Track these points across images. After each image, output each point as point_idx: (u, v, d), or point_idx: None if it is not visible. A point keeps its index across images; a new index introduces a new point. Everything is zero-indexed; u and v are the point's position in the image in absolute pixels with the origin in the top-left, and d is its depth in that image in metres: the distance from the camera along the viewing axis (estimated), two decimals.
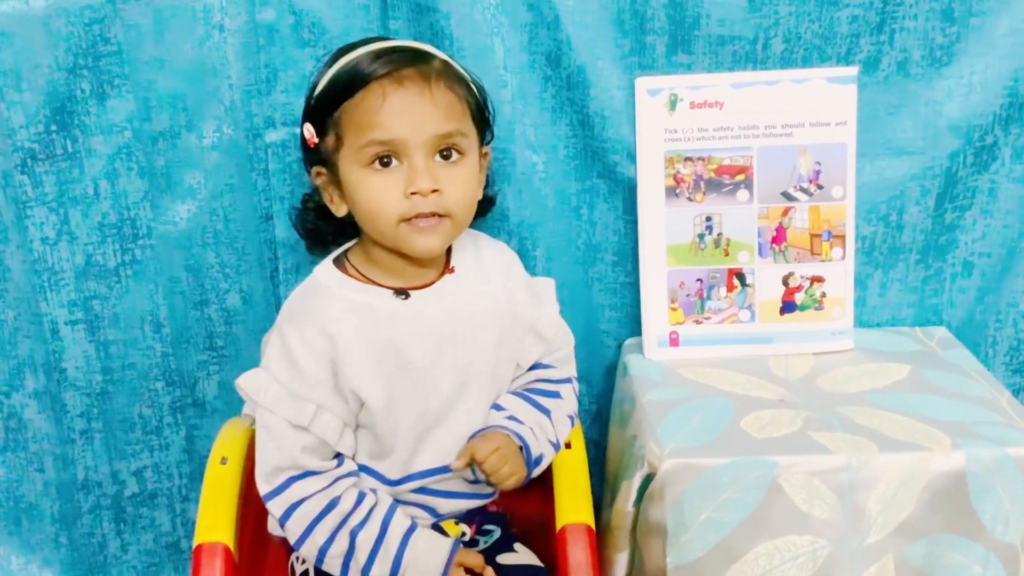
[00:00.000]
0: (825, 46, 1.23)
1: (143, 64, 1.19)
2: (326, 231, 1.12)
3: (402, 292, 1.05)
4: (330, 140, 1.01)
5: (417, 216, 0.99)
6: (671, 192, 1.24)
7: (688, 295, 1.27)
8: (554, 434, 1.11)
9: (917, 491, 1.04)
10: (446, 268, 1.08)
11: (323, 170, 1.04)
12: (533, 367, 1.16)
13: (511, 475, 1.04)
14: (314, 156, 1.04)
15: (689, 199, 1.24)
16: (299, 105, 1.16)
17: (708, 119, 1.22)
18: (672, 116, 1.22)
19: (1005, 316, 1.36)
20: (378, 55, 0.99)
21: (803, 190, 1.24)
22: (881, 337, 1.32)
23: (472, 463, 1.03)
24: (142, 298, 1.29)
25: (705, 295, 1.27)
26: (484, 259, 1.11)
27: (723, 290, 1.27)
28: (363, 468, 1.07)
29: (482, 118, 1.06)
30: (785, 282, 1.26)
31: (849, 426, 1.09)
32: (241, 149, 1.25)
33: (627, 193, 1.28)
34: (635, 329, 1.33)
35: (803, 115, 1.21)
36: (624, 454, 1.18)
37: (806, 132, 1.22)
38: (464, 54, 1.19)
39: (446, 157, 1.00)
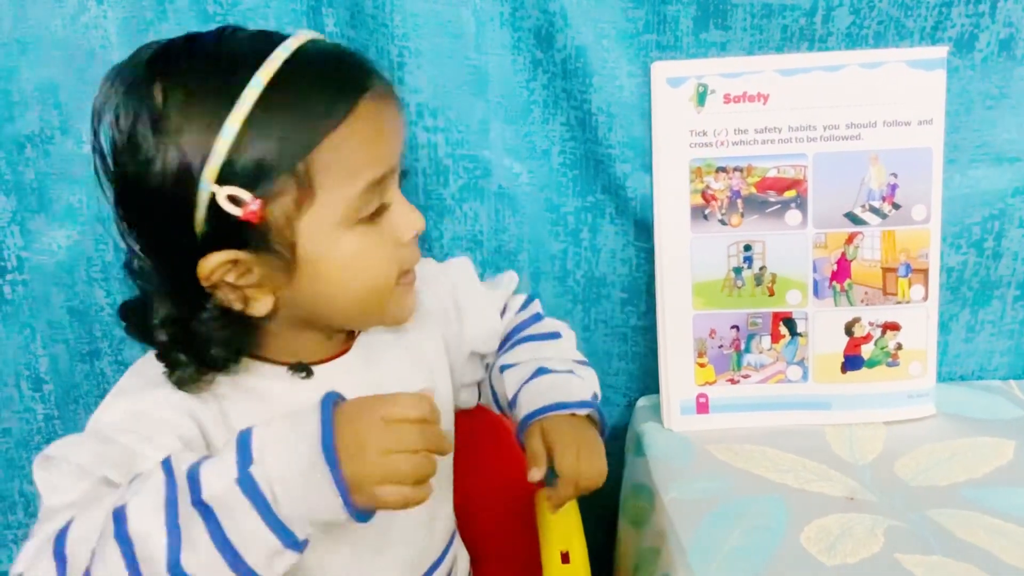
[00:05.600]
0: (905, 19, 0.97)
1: None
2: (217, 343, 0.72)
3: (301, 367, 0.75)
4: (284, 203, 0.66)
5: (409, 271, 0.76)
6: (699, 213, 0.99)
7: (721, 346, 1.01)
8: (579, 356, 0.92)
9: None
10: None
11: (243, 255, 0.68)
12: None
13: (599, 472, 0.79)
14: (219, 238, 0.67)
15: (722, 222, 0.99)
16: None
17: (748, 117, 0.97)
18: (700, 113, 0.97)
19: None
20: (336, 57, 0.70)
21: (874, 210, 0.98)
22: (968, 396, 1.06)
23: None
24: (15, 348, 1.08)
25: (743, 347, 1.01)
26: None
27: (767, 340, 1.01)
28: None
29: None
30: (849, 331, 1.01)
31: (950, 543, 0.82)
32: None
33: (640, 213, 1.04)
34: (650, 384, 1.08)
35: (875, 111, 0.96)
36: (641, 570, 0.92)
37: (879, 134, 0.96)
38: (420, 31, 0.95)
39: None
